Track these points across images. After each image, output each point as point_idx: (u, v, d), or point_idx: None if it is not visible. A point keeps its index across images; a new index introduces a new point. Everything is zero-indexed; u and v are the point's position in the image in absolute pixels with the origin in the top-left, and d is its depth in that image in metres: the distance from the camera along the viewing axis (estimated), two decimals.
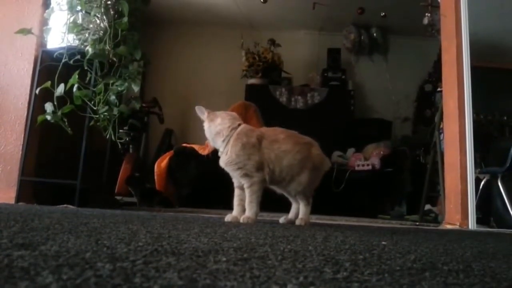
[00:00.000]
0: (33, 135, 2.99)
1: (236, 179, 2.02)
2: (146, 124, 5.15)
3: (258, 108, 4.46)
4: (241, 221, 1.93)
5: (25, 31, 2.85)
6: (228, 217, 2.00)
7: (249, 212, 1.95)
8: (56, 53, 2.86)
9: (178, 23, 6.37)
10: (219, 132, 2.03)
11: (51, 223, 1.27)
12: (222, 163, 2.02)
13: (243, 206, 1.99)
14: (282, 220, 2.13)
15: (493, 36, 4.10)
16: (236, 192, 2.05)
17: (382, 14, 5.46)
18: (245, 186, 1.97)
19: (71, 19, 2.89)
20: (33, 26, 2.96)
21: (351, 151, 5.22)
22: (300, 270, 0.71)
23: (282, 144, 2.01)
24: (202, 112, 2.10)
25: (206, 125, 2.08)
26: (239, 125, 2.06)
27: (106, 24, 2.83)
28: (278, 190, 2.13)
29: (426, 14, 4.43)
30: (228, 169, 2.01)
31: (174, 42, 6.37)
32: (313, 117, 5.58)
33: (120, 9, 2.85)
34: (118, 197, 3.96)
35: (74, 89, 2.75)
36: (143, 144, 5.00)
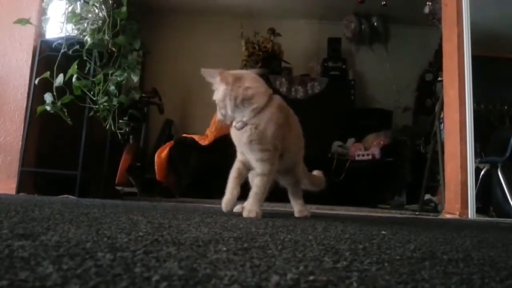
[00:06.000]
0: (33, 126, 2.98)
1: (252, 157, 1.67)
2: (146, 114, 5.14)
3: None
4: (244, 215, 1.62)
5: (23, 21, 2.83)
6: (225, 205, 1.68)
7: (256, 205, 1.64)
8: (55, 43, 2.85)
9: (178, 12, 6.32)
10: (250, 97, 1.59)
11: (51, 213, 1.28)
12: (244, 137, 1.62)
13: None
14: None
15: (494, 26, 4.08)
16: (237, 165, 1.70)
17: (383, 3, 5.41)
18: (260, 172, 1.64)
19: (70, 8, 2.87)
20: (32, 16, 2.94)
21: (351, 141, 5.22)
22: (300, 259, 0.71)
23: (294, 124, 1.81)
24: (211, 75, 1.64)
25: (222, 88, 1.60)
26: (272, 95, 1.68)
27: (105, 14, 2.82)
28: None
29: (427, 3, 4.41)
30: (251, 147, 1.63)
31: (173, 31, 6.33)
32: (313, 107, 5.56)
33: None
34: (118, 188, 3.97)
35: (74, 79, 2.74)
36: (143, 134, 4.99)
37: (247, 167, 1.72)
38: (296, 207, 1.94)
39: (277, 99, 1.69)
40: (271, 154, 1.63)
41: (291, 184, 1.92)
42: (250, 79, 1.65)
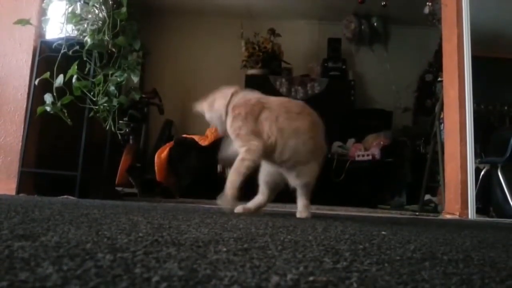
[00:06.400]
0: (33, 126, 2.98)
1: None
2: (146, 115, 5.14)
3: None
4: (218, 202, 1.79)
5: (23, 22, 2.83)
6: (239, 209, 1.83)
7: (227, 183, 1.75)
8: (55, 44, 2.84)
9: (178, 12, 6.32)
10: (220, 116, 1.88)
11: (51, 214, 1.28)
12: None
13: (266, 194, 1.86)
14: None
15: (494, 26, 4.08)
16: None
17: (383, 3, 5.41)
18: (239, 155, 1.77)
19: (70, 9, 2.87)
20: (32, 17, 2.94)
21: (351, 141, 5.22)
22: (300, 260, 0.71)
23: (295, 119, 1.81)
24: (199, 107, 1.98)
25: (207, 115, 1.95)
26: (232, 95, 1.89)
27: (105, 14, 2.82)
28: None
29: (427, 3, 4.40)
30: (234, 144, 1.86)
31: (173, 32, 6.34)
32: (313, 108, 5.55)
33: None
34: (118, 188, 3.97)
35: (74, 80, 2.74)
36: (143, 135, 4.99)
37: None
38: (299, 207, 1.91)
39: (236, 100, 1.87)
40: (239, 139, 1.80)
41: (299, 186, 1.86)
42: (217, 99, 1.93)
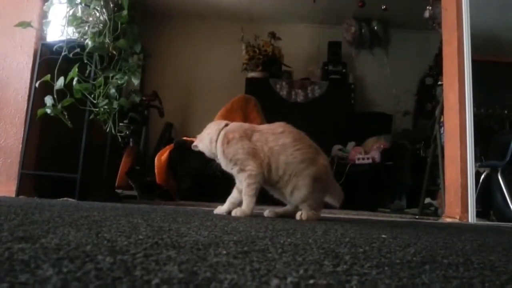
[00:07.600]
0: (33, 129, 2.99)
1: (237, 179, 1.97)
2: (146, 117, 5.15)
3: (258, 101, 4.46)
4: (232, 214, 1.88)
5: (24, 24, 2.84)
6: (216, 210, 1.99)
7: (244, 206, 1.89)
8: (55, 46, 2.85)
9: (178, 16, 6.34)
10: (211, 140, 2.00)
11: (51, 216, 1.28)
12: (222, 166, 2.00)
13: (234, 204, 1.96)
14: (267, 213, 2.03)
15: (494, 30, 4.09)
16: (233, 192, 2.00)
17: (383, 7, 5.42)
18: (243, 181, 1.91)
19: (71, 12, 2.88)
20: (33, 19, 2.94)
21: (351, 144, 5.22)
22: (300, 263, 0.71)
23: (280, 137, 1.92)
24: (195, 143, 2.09)
25: (200, 146, 2.06)
26: (227, 125, 2.03)
27: (106, 17, 2.82)
28: (276, 195, 2.03)
29: (427, 7, 4.41)
30: (227, 170, 1.98)
31: (174, 35, 6.35)
32: (313, 111, 5.57)
33: (119, 1, 2.84)
34: (118, 191, 3.97)
35: (74, 82, 2.74)
36: (143, 137, 4.99)
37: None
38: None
39: (228, 127, 2.01)
40: (238, 164, 1.92)
41: (297, 201, 1.96)
42: (208, 128, 2.06)
